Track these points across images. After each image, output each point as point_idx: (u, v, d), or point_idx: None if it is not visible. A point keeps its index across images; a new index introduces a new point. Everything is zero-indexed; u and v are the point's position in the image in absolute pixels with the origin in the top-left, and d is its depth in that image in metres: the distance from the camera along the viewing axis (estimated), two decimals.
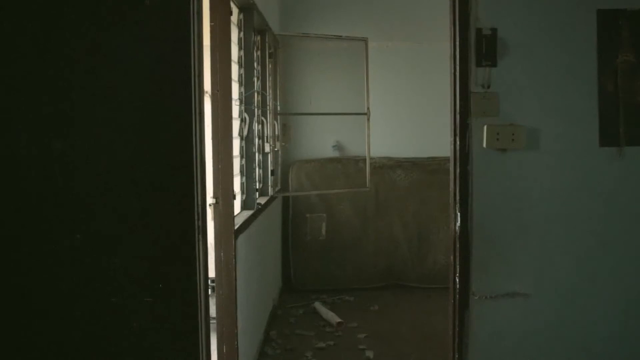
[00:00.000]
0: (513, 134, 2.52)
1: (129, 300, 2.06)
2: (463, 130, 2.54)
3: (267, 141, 4.92)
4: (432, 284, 5.76)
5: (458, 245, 2.57)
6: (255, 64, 4.50)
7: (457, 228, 2.57)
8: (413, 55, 6.11)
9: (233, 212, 3.05)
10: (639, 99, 2.54)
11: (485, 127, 2.53)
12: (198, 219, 2.11)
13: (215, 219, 3.02)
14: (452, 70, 2.57)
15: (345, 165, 5.97)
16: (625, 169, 2.56)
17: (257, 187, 4.49)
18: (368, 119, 5.36)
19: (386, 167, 6.01)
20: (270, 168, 5.05)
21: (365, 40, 5.35)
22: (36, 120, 2.02)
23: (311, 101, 5.84)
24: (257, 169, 4.53)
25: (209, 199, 2.91)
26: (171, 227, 2.07)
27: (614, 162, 2.56)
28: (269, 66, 5.09)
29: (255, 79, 4.47)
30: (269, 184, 5.03)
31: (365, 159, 5.49)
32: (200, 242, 2.13)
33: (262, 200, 4.59)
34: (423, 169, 6.00)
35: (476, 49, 2.51)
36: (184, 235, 2.08)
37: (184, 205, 2.08)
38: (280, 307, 5.35)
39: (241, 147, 4.25)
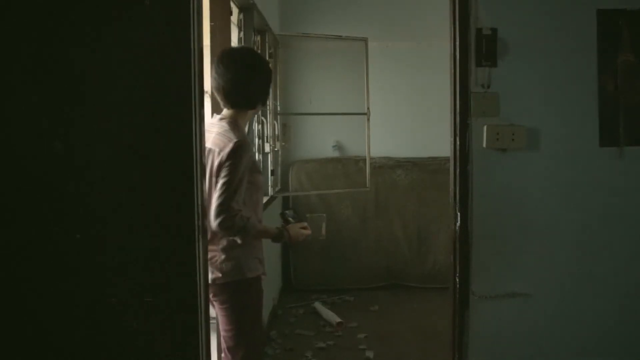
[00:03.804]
0: (513, 134, 2.52)
1: (129, 300, 2.06)
2: (463, 130, 2.54)
3: (267, 141, 4.92)
4: (432, 284, 5.76)
5: (458, 245, 2.57)
6: None
7: (457, 228, 2.57)
8: (413, 55, 6.10)
9: None
10: (639, 99, 2.55)
11: (485, 127, 2.53)
12: (198, 219, 2.11)
13: None
14: (452, 70, 2.58)
15: (345, 165, 5.97)
16: (625, 169, 2.56)
17: None
18: (368, 119, 5.36)
19: (386, 167, 6.01)
20: (270, 168, 5.04)
21: (365, 40, 5.35)
22: (37, 120, 2.02)
23: (311, 101, 5.83)
24: None
25: None
26: (171, 227, 2.07)
27: (614, 162, 2.56)
28: None
29: None
30: (269, 184, 5.03)
31: (365, 159, 5.49)
32: (200, 242, 2.13)
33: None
34: (423, 169, 6.00)
35: (476, 49, 2.51)
36: (184, 235, 2.08)
37: (184, 205, 2.07)
38: (280, 307, 5.35)
39: None
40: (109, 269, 2.06)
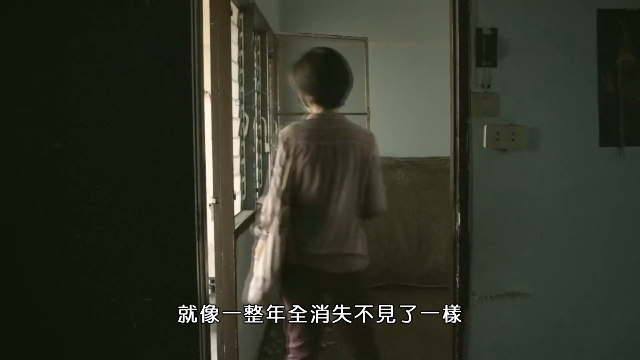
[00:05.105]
0: (513, 134, 2.52)
1: (129, 300, 2.06)
2: (463, 130, 2.54)
3: (267, 141, 4.91)
4: (432, 284, 5.75)
5: (458, 245, 2.57)
6: (255, 64, 4.50)
7: (457, 228, 2.57)
8: (413, 55, 6.10)
9: (233, 212, 3.05)
10: (639, 99, 2.55)
11: (485, 127, 2.53)
12: (198, 219, 2.11)
13: (215, 219, 3.02)
14: (452, 70, 2.57)
15: None
16: (625, 169, 2.56)
17: (257, 187, 4.48)
18: (368, 119, 5.35)
19: (386, 167, 5.99)
20: (270, 168, 5.02)
21: (365, 40, 5.35)
22: (37, 120, 2.02)
23: None
24: (257, 169, 4.52)
25: (209, 199, 2.91)
26: (171, 227, 2.07)
27: (614, 162, 2.56)
28: (269, 66, 5.09)
29: (255, 79, 4.47)
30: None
31: None
32: (200, 242, 2.13)
33: (262, 200, 4.57)
34: (423, 169, 6.00)
35: (476, 49, 2.51)
36: (183, 235, 2.08)
37: (184, 205, 2.08)
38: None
39: (241, 147, 4.24)
40: (109, 268, 2.06)
